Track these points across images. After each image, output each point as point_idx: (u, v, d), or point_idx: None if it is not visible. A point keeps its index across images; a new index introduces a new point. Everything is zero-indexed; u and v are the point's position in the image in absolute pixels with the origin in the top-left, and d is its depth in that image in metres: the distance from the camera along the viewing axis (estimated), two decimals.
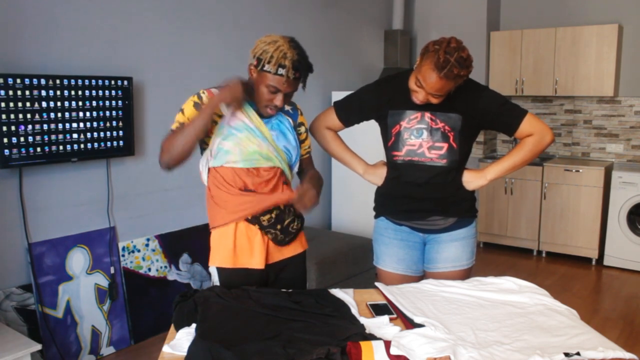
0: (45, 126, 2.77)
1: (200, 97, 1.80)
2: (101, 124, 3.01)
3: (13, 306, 2.79)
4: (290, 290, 1.76)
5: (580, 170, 4.87)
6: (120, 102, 3.08)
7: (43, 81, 2.73)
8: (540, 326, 1.55)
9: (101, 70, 3.05)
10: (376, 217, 2.20)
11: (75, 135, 2.90)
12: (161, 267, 3.47)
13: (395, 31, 5.45)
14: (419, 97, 1.88)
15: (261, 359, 1.31)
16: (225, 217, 1.85)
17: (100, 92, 2.98)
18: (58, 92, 2.80)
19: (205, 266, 3.65)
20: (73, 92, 2.86)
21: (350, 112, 2.12)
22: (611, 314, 3.84)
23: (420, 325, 1.52)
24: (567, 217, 4.95)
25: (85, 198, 3.08)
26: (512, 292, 1.79)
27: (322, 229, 4.71)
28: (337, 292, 1.76)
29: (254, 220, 1.84)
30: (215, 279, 1.88)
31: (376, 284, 1.90)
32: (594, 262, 4.91)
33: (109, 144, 3.06)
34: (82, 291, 3.06)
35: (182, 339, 1.49)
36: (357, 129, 2.27)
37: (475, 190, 2.10)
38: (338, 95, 3.36)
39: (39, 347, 2.43)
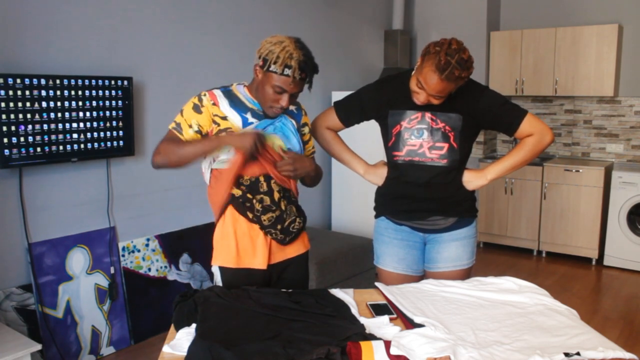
0: (45, 126, 2.77)
1: (200, 99, 1.80)
2: (101, 124, 3.01)
3: (13, 306, 2.79)
4: (290, 290, 1.76)
5: (580, 170, 4.87)
6: (120, 102, 3.08)
7: (43, 81, 2.73)
8: (540, 326, 1.55)
9: (101, 70, 3.05)
10: (376, 217, 2.20)
11: (75, 135, 2.90)
12: (161, 267, 3.47)
13: (395, 31, 5.45)
14: (420, 98, 1.89)
15: (261, 359, 1.31)
16: (222, 193, 1.83)
17: (100, 92, 2.98)
18: (58, 92, 2.80)
19: (206, 266, 3.65)
20: (73, 92, 2.86)
21: (350, 112, 2.12)
22: (611, 314, 3.84)
23: (420, 325, 1.52)
24: (567, 217, 4.95)
25: (85, 198, 3.08)
26: (512, 292, 1.79)
27: (322, 229, 4.71)
28: (337, 292, 1.75)
29: (255, 219, 1.84)
30: (218, 279, 1.88)
31: (376, 284, 1.90)
32: (594, 262, 4.91)
33: (109, 144, 3.06)
34: (82, 291, 3.06)
35: (182, 339, 1.48)
36: (357, 129, 2.27)
37: (475, 190, 2.10)
38: (338, 95, 3.35)
39: (39, 347, 2.43)
